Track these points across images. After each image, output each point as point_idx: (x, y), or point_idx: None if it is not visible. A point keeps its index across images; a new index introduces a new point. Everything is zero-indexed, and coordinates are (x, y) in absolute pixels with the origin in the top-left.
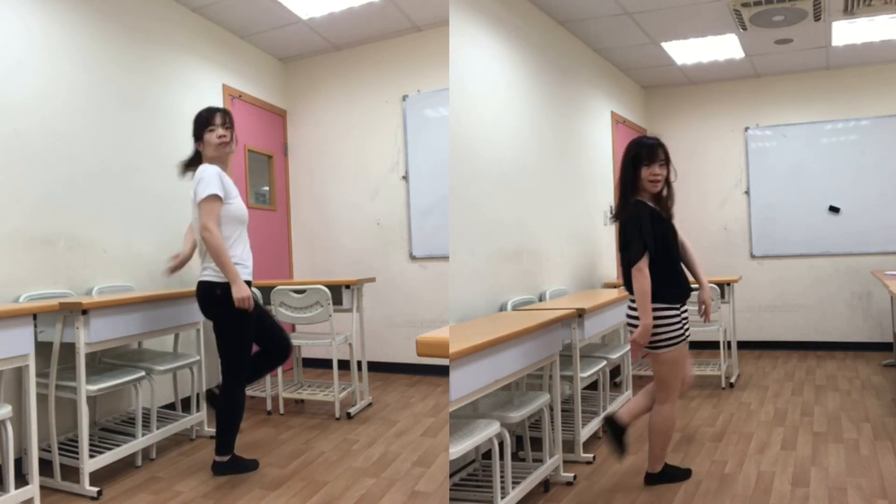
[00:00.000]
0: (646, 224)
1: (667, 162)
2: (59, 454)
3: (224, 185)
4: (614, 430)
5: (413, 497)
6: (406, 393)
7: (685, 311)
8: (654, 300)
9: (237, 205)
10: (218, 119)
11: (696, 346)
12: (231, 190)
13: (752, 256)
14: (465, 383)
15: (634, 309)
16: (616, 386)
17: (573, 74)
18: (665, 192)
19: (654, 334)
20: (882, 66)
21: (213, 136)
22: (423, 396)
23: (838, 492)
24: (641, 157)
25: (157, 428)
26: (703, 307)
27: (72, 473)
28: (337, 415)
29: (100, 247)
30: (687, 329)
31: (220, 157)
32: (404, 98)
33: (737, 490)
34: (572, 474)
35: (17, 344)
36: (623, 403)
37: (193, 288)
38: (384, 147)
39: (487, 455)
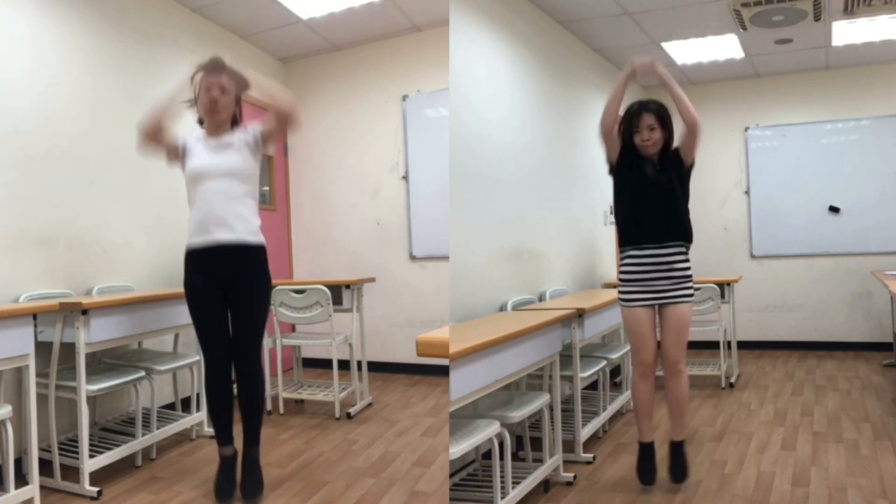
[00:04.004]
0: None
1: (661, 125)
2: (59, 454)
3: (186, 141)
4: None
5: (413, 497)
6: (406, 393)
7: (642, 279)
8: (619, 241)
9: (188, 164)
10: (215, 79)
11: (697, 346)
12: (192, 148)
13: (752, 256)
14: (465, 383)
15: None
16: (616, 386)
17: (573, 74)
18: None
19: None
20: (882, 66)
21: (205, 96)
22: (423, 396)
23: (838, 492)
24: (630, 125)
25: (157, 428)
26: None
27: (72, 473)
28: (337, 415)
29: (100, 247)
30: (641, 298)
31: (211, 120)
32: (404, 98)
33: (737, 490)
34: (572, 474)
35: (17, 344)
36: (623, 404)
37: None
38: (384, 147)
39: (487, 455)
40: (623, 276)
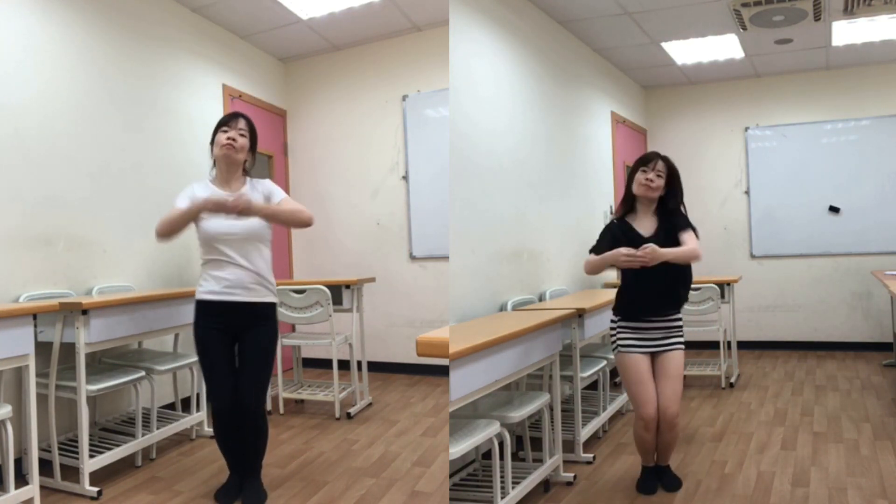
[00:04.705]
0: (603, 235)
1: (668, 178)
2: (59, 454)
3: (194, 197)
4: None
5: (413, 497)
6: (406, 393)
7: (638, 327)
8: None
9: (203, 224)
10: (233, 122)
11: (697, 346)
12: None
13: (752, 256)
14: (465, 383)
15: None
16: (616, 386)
17: (573, 74)
18: (662, 200)
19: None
20: (882, 66)
21: (223, 136)
22: (423, 396)
23: (838, 492)
24: (641, 164)
25: (157, 428)
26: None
27: (72, 473)
28: (337, 415)
29: (100, 247)
30: (637, 346)
31: (226, 160)
32: (404, 98)
33: (737, 490)
34: (572, 474)
35: (17, 344)
36: (623, 404)
37: (193, 288)
38: (384, 147)
39: (487, 455)
40: (619, 327)
